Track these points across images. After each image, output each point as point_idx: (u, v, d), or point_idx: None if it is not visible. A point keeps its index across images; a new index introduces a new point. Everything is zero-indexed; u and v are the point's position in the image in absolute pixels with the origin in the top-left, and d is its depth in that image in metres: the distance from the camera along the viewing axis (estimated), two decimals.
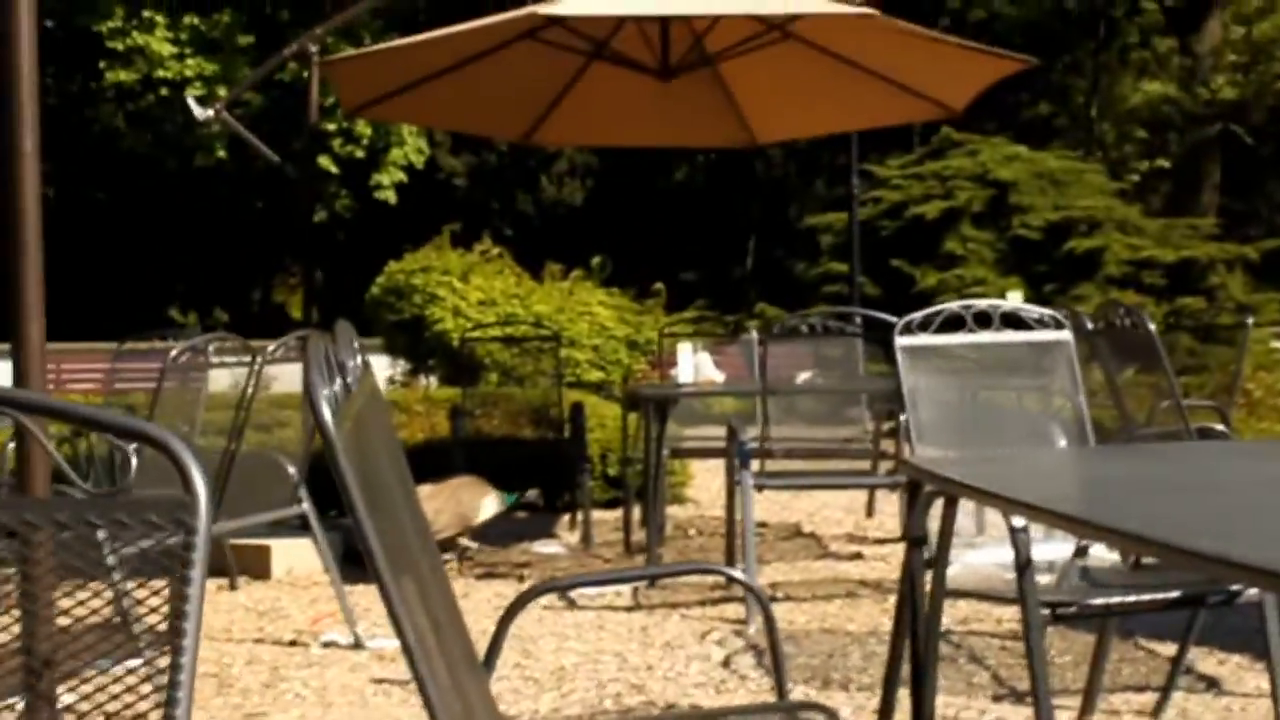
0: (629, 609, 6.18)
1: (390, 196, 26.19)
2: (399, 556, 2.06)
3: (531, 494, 8.08)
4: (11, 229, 3.14)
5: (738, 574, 2.81)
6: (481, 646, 2.76)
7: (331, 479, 1.79)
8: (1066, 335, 4.42)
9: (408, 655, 1.85)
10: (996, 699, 4.65)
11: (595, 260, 15.37)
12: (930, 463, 3.58)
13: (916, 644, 3.52)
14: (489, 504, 7.22)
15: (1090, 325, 5.51)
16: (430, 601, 2.26)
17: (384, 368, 15.33)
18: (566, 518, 8.60)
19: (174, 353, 5.32)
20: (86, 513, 1.62)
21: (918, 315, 4.36)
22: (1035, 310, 4.58)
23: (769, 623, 2.81)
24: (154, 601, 1.82)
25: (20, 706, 1.90)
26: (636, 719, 3.18)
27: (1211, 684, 4.79)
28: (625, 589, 6.52)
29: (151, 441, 1.59)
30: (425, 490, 7.08)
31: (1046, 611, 3.55)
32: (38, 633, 2.48)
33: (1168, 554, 2.52)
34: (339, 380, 2.04)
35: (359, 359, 2.33)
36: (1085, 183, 19.20)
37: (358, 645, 5.51)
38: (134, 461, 1.66)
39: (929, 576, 3.60)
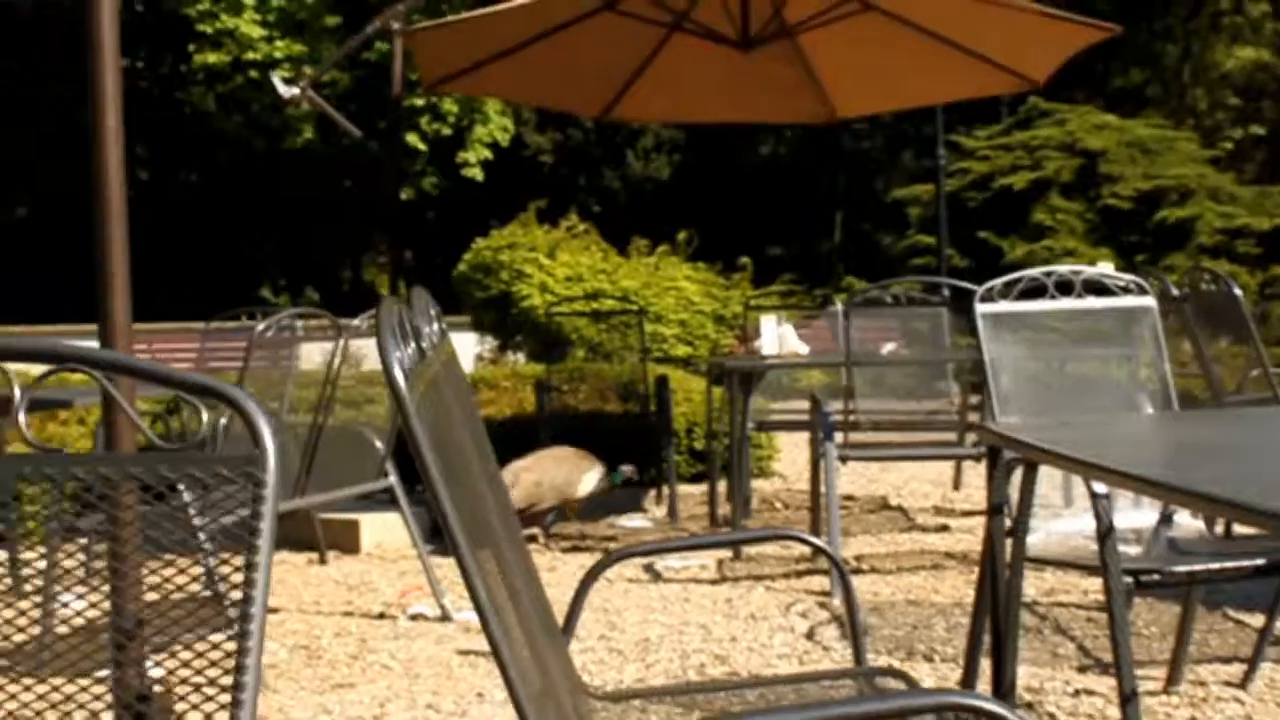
0: (714, 581, 6.20)
1: (477, 174, 26.31)
2: (475, 522, 2.07)
3: (626, 469, 8.11)
4: (96, 203, 3.20)
5: (813, 538, 2.82)
6: (576, 622, 2.78)
7: None
8: (1150, 301, 4.37)
9: (483, 622, 1.85)
10: (1081, 670, 4.63)
11: (681, 235, 15.35)
12: (1009, 428, 3.56)
13: (997, 612, 3.51)
14: (590, 479, 7.22)
15: (1175, 292, 5.46)
16: (509, 570, 2.26)
17: (472, 345, 15.43)
18: (653, 492, 8.63)
19: (260, 328, 5.38)
20: (159, 466, 1.66)
21: (998, 282, 4.32)
22: (1118, 276, 4.54)
23: (845, 587, 2.81)
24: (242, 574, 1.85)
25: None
26: (715, 685, 3.20)
27: None
28: (710, 562, 6.55)
29: (221, 397, 1.62)
30: (524, 462, 7.12)
31: (1129, 580, 3.51)
32: (126, 594, 2.53)
33: (1246, 516, 2.49)
34: (413, 345, 2.05)
35: (436, 325, 2.35)
36: (1177, 151, 18.97)
37: (445, 618, 5.58)
38: (204, 419, 1.70)
39: (1010, 545, 3.59)
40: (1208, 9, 26.84)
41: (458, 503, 1.89)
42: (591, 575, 2.83)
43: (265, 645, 5.05)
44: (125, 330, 3.18)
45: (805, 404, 7.08)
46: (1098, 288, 4.50)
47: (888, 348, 7.89)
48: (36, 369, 1.90)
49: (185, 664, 1.75)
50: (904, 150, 29.50)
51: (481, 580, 1.88)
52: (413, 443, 1.82)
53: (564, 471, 7.16)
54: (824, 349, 8.80)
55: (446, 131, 25.96)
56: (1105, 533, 3.41)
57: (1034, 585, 5.78)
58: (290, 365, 6.14)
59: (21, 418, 1.75)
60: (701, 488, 8.35)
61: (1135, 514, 4.15)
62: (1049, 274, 4.41)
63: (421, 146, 25.74)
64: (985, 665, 3.54)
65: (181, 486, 1.84)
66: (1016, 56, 8.07)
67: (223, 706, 1.62)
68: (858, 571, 6.32)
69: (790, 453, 9.88)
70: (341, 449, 5.97)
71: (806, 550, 6.54)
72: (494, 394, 10.36)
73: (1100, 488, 3.44)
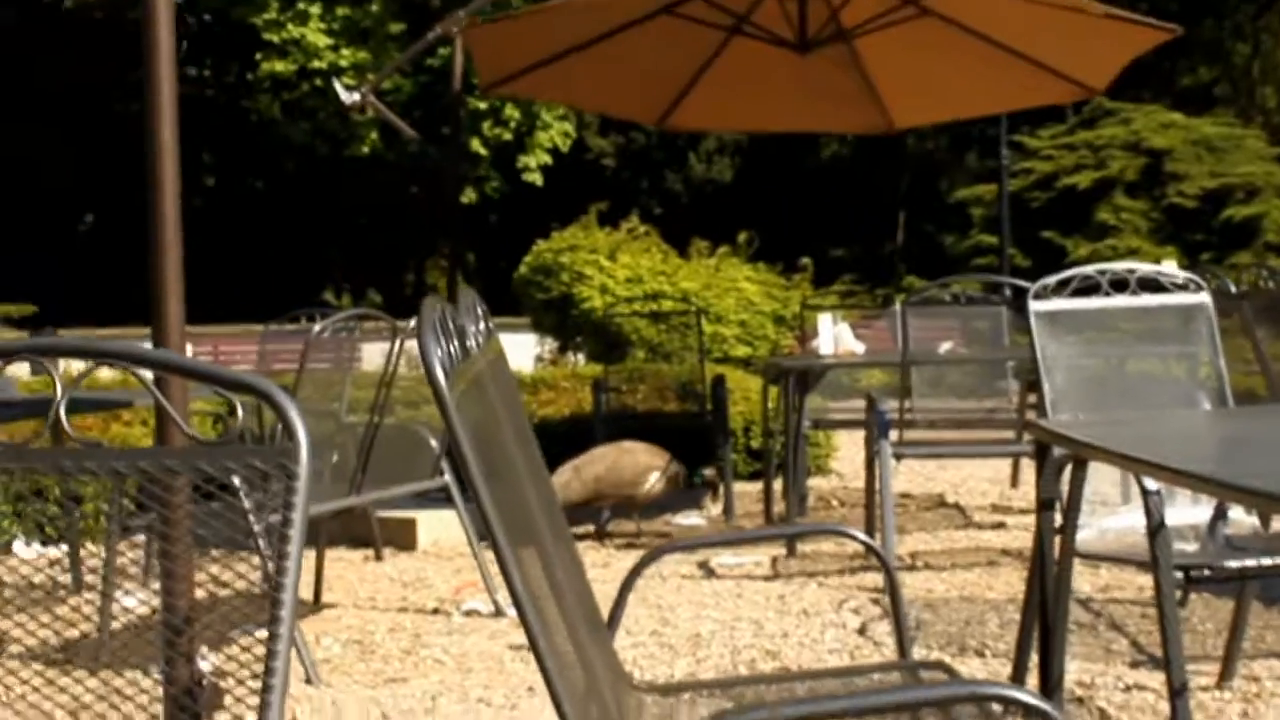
0: (767, 578, 6.20)
1: (537, 179, 26.40)
2: (517, 517, 2.09)
3: (708, 472, 8.12)
4: (152, 213, 3.24)
5: (855, 532, 2.82)
6: (621, 616, 2.79)
7: None
8: (1204, 298, 4.34)
9: (519, 612, 1.86)
10: (1134, 665, 4.60)
11: (742, 236, 15.36)
12: (1057, 424, 3.55)
13: (1045, 607, 3.50)
14: (654, 476, 7.20)
15: (1234, 289, 5.41)
16: (552, 565, 2.28)
17: (532, 346, 15.48)
18: (709, 490, 8.64)
19: (317, 328, 5.43)
20: (196, 459, 1.69)
21: (1052, 279, 4.32)
22: (1174, 273, 4.51)
23: (889, 579, 2.81)
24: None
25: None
26: (762, 679, 3.21)
27: None
28: (764, 559, 6.55)
29: (255, 391, 1.65)
30: (588, 456, 7.15)
31: (1180, 575, 3.49)
32: (176, 590, 2.56)
33: None
34: (455, 342, 2.07)
35: (483, 325, 2.37)
36: (1244, 149, 18.78)
37: (498, 613, 5.61)
38: (239, 415, 1.72)
39: (1060, 541, 3.58)
40: (1278, 5, 26.57)
41: (497, 498, 1.91)
42: (637, 570, 2.83)
43: (320, 640, 5.08)
44: (178, 330, 3.22)
45: (864, 403, 7.07)
46: (1153, 285, 4.47)
47: (945, 346, 7.87)
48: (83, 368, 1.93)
49: (232, 659, 1.78)
50: (968, 151, 29.38)
51: (519, 572, 1.90)
52: (452, 437, 1.84)
53: (629, 467, 7.15)
54: (885, 349, 8.80)
55: (507, 136, 26.08)
56: (1156, 528, 3.39)
57: (1089, 582, 5.75)
58: (350, 366, 6.20)
59: (62, 413, 1.78)
60: (758, 486, 8.34)
61: (1191, 511, 4.13)
62: (1103, 271, 4.39)
63: (483, 151, 25.86)
64: (1036, 660, 3.53)
65: (238, 482, 1.87)
66: (1076, 62, 7.98)
67: (253, 692, 1.65)
68: (912, 568, 6.31)
69: (849, 451, 9.88)
70: (398, 448, 6.03)
71: (861, 547, 6.53)
72: (553, 394, 10.42)
73: (1151, 484, 3.42)
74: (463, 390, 1.95)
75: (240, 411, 1.73)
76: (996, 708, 2.32)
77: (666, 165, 31.16)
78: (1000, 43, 7.88)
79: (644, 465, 7.16)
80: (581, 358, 13.59)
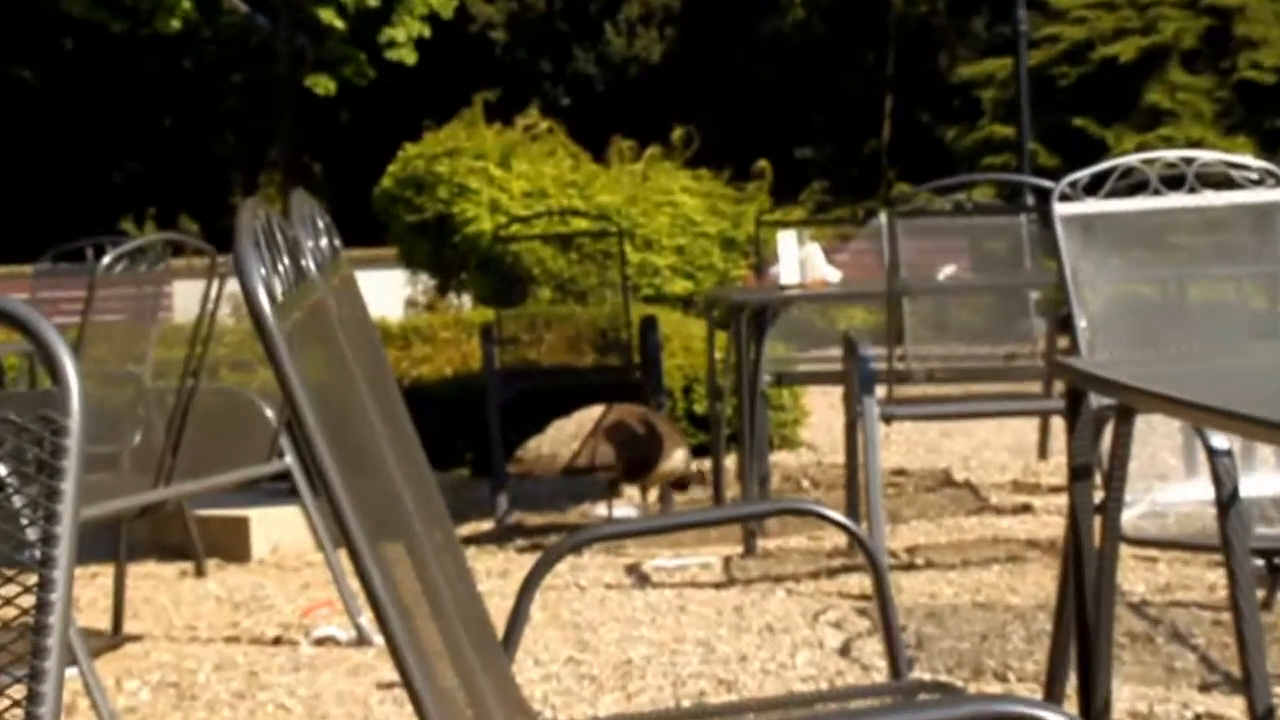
0: (719, 585, 6.23)
1: (406, 56, 26.05)
2: (381, 507, 2.06)
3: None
4: None
5: (830, 512, 2.79)
6: (525, 638, 2.77)
7: None
8: None
9: (388, 640, 1.82)
10: (1204, 688, 4.64)
11: (677, 134, 15.31)
12: (1094, 365, 3.55)
13: (1084, 611, 3.51)
14: (681, 453, 7.26)
15: None
16: (429, 573, 2.25)
17: (401, 286, 15.43)
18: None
19: (106, 260, 5.35)
20: None
21: (1084, 174, 4.31)
22: (1246, 164, 4.51)
23: (877, 576, 2.81)
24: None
25: None
26: (706, 710, 3.21)
27: None
28: (714, 560, 6.57)
29: (7, 319, 1.59)
30: (591, 412, 7.18)
31: (1261, 563, 3.51)
32: None
33: None
34: (286, 260, 2.02)
35: (325, 241, 2.33)
36: None
37: (361, 641, 5.59)
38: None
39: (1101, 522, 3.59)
40: None
41: (351, 476, 1.87)
42: (541, 568, 2.80)
43: (122, 684, 5.08)
44: None
45: (842, 350, 7.07)
46: (1219, 181, 4.48)
47: (946, 271, 7.88)
48: None
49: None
50: (973, 15, 29.41)
51: (383, 581, 1.86)
52: (282, 384, 1.79)
53: (654, 437, 7.19)
54: (868, 277, 8.79)
55: (373, 3, 25.70)
56: (1228, 500, 3.39)
57: (1143, 579, 5.81)
58: (156, 315, 6.13)
59: None
60: (705, 464, 8.35)
61: (1276, 480, 4.15)
62: (1151, 162, 4.39)
63: (339, 23, 25.52)
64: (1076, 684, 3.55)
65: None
66: None
67: None
68: (910, 567, 6.35)
69: (824, 416, 9.92)
70: (222, 421, 5.97)
71: (841, 541, 6.55)
72: (430, 349, 10.39)
73: (1220, 441, 3.42)
74: (297, 321, 1.90)
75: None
76: None
77: (575, 40, 31.05)
78: None
79: (669, 435, 7.22)
80: (467, 300, 13.54)
